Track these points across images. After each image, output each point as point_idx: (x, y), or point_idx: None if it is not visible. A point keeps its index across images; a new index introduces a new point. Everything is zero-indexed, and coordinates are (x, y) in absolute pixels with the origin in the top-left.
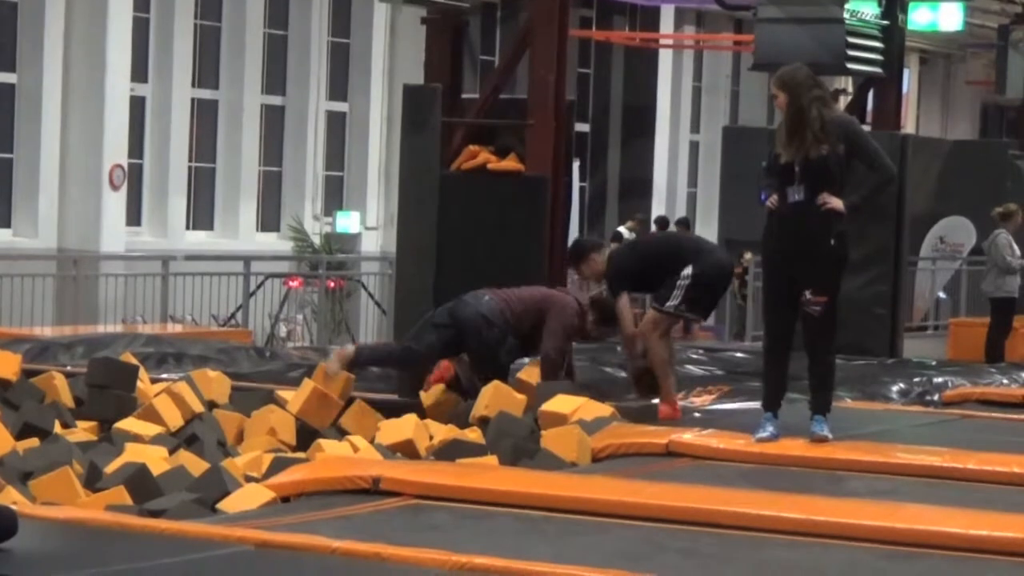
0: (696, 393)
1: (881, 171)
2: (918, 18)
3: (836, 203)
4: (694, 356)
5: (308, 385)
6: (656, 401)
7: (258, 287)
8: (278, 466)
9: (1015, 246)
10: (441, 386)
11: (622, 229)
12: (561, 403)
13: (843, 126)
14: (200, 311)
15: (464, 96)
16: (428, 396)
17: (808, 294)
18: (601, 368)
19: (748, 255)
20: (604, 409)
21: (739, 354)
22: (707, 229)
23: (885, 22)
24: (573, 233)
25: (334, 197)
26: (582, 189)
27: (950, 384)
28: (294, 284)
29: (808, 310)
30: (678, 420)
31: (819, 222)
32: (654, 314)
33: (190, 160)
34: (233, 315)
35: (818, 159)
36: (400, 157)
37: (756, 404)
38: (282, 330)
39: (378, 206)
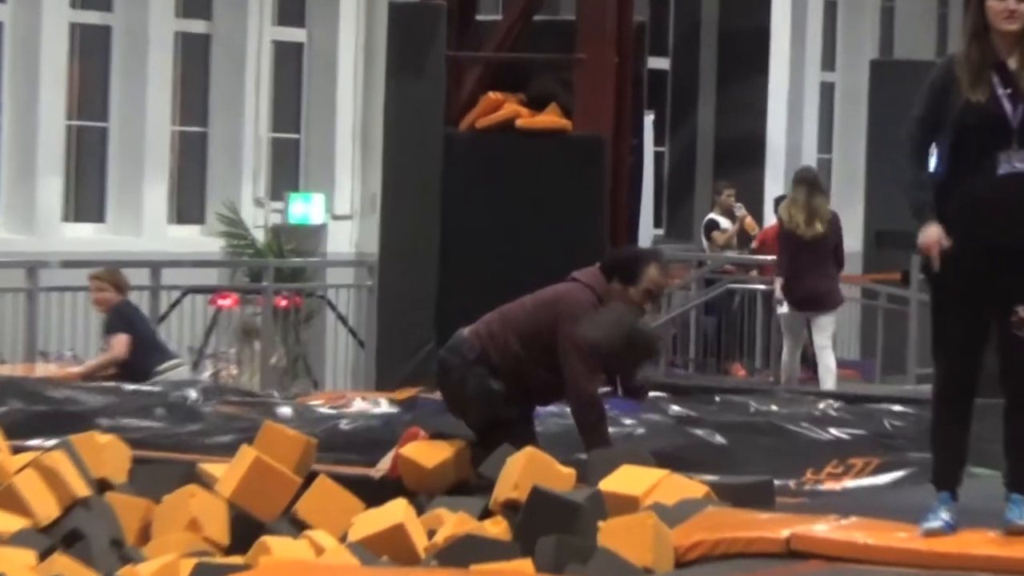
0: (832, 467)
1: None
2: None
3: None
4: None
5: (248, 455)
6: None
7: (172, 307)
8: None
9: None
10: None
11: (714, 215)
12: (628, 479)
13: None
14: (84, 343)
15: (480, 18)
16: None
17: (1021, 311)
18: (688, 431)
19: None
20: (694, 487)
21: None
22: (849, 215)
23: None
24: (646, 218)
25: (286, 171)
26: (659, 155)
27: None
28: (226, 302)
29: (1020, 333)
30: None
31: None
32: None
33: (69, 117)
34: None
35: None
36: (385, 111)
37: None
38: (207, 370)
39: (352, 184)
